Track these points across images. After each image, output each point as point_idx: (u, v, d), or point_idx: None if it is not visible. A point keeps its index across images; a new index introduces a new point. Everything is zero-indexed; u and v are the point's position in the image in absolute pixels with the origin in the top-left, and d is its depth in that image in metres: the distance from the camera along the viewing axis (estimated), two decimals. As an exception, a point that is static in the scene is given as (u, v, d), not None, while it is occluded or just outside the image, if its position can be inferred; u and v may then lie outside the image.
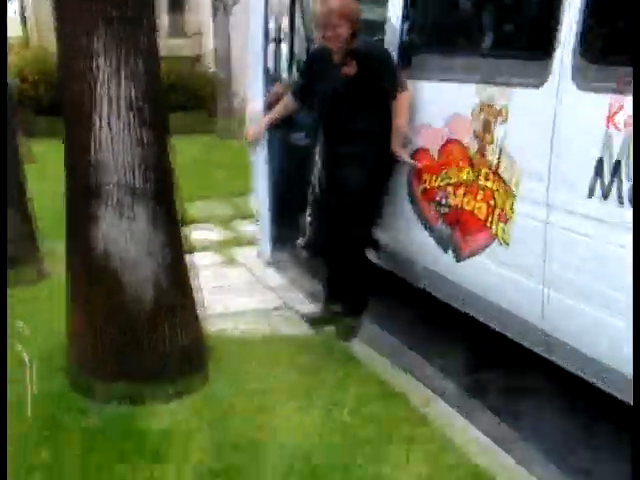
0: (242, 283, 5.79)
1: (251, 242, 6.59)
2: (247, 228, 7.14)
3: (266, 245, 5.88)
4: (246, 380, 4.02)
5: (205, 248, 6.51)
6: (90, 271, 3.69)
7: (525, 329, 3.92)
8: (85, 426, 3.53)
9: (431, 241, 4.51)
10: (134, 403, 3.70)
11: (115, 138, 3.56)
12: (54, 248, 5.72)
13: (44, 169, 8.23)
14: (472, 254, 4.23)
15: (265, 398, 3.84)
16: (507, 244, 3.94)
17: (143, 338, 3.71)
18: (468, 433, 3.76)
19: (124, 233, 3.63)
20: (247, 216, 7.17)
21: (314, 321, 4.89)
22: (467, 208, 4.20)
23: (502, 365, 4.51)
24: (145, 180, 3.63)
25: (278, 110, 4.93)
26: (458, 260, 4.33)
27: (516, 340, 4.03)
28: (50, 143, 9.09)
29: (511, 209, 3.88)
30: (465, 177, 4.19)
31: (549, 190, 3.61)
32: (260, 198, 5.76)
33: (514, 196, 3.84)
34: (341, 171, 4.47)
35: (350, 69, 4.26)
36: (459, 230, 4.30)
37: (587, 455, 3.61)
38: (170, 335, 3.76)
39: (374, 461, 3.39)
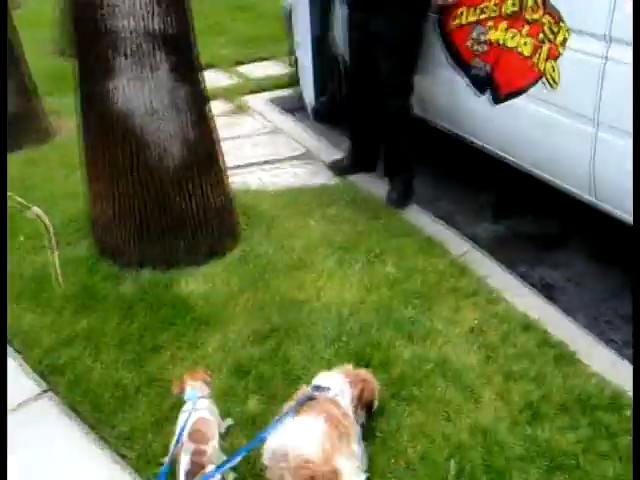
0: (258, 132, 5.44)
1: (263, 87, 6.19)
2: (256, 71, 6.68)
3: (310, 95, 5.50)
4: (280, 235, 3.81)
5: (212, 95, 6.10)
6: (109, 130, 3.36)
7: (571, 173, 3.68)
8: (123, 293, 3.34)
9: (465, 83, 4.17)
10: (169, 267, 3.49)
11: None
12: (55, 105, 5.37)
13: (28, 14, 7.65)
14: (512, 95, 3.91)
15: (303, 253, 3.64)
16: (555, 83, 3.61)
17: (173, 199, 3.44)
18: (509, 283, 3.62)
19: (146, 84, 3.27)
20: (255, 59, 6.73)
21: (340, 169, 4.67)
22: (509, 45, 3.83)
23: (533, 213, 4.34)
24: (164, 22, 3.24)
25: None
26: (496, 102, 4.02)
27: (560, 185, 3.79)
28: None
29: (563, 44, 3.53)
30: (509, 10, 3.80)
31: (612, 21, 3.24)
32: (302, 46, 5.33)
33: (567, 30, 3.48)
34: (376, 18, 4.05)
35: None
36: (498, 70, 3.96)
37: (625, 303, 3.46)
38: (201, 193, 3.50)
39: (424, 314, 3.25)
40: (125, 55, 3.23)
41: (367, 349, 3.00)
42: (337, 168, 4.69)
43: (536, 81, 3.74)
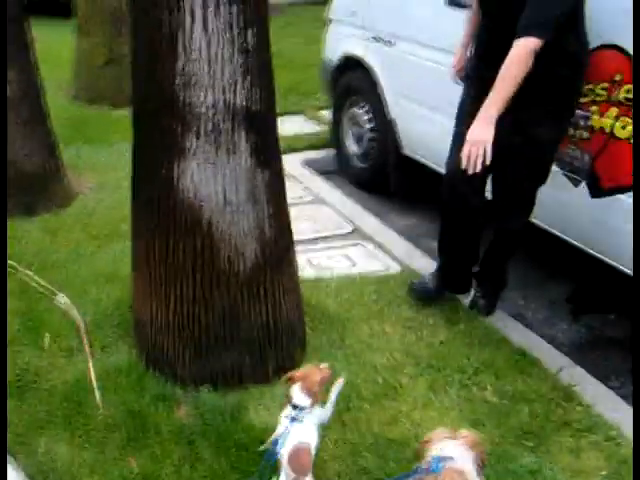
0: (298, 201, 4.81)
1: (293, 147, 5.58)
2: (285, 127, 6.07)
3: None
4: (356, 348, 3.19)
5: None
6: (170, 222, 2.72)
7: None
8: (179, 422, 2.68)
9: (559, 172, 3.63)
10: (231, 387, 2.85)
11: (212, 40, 2.53)
12: (73, 159, 4.69)
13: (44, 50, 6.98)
14: (617, 191, 3.37)
15: (387, 374, 3.02)
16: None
17: (240, 307, 2.81)
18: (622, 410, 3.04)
19: (220, 170, 2.65)
20: (284, 112, 6.13)
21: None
22: (622, 136, 3.28)
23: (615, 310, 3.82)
24: (249, 96, 2.63)
25: (466, 28, 3.50)
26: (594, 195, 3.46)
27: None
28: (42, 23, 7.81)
29: None
30: (621, 96, 3.25)
31: None
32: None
33: None
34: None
35: None
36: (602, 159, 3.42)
37: None
38: (273, 301, 2.88)
39: (542, 462, 2.65)
40: (198, 134, 2.61)
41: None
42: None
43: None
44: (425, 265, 4.01)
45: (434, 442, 2.23)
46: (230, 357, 2.84)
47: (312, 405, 2.35)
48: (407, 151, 4.78)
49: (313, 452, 2.29)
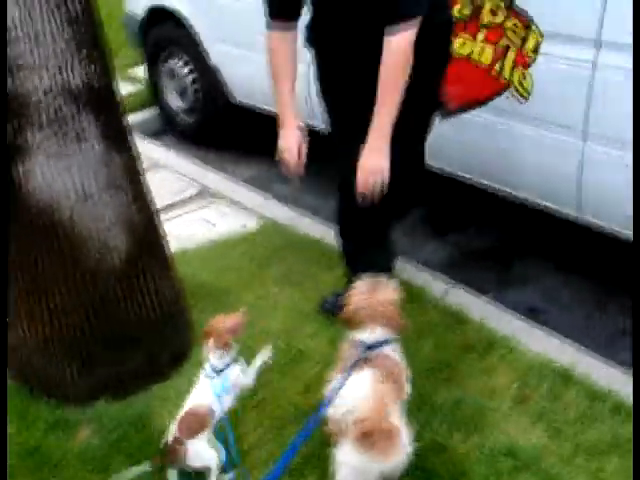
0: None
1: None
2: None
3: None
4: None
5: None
6: (28, 229, 2.36)
7: (555, 189, 3.22)
8: (85, 447, 2.38)
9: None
10: (129, 391, 2.58)
11: (33, 14, 2.15)
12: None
13: None
14: (465, 108, 3.37)
15: (287, 338, 2.86)
16: (527, 94, 3.11)
17: (123, 304, 2.53)
18: (506, 320, 3.12)
19: (73, 160, 2.31)
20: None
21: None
22: (462, 52, 3.26)
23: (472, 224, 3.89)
24: (87, 72, 2.29)
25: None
26: (444, 116, 3.44)
27: (539, 202, 3.32)
28: None
29: (535, 50, 3.02)
30: (459, 14, 3.22)
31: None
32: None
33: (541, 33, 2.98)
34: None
35: None
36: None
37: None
38: (154, 288, 2.61)
39: (459, 389, 2.65)
40: (40, 125, 2.24)
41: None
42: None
43: (499, 92, 3.21)
44: (282, 213, 3.87)
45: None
46: (120, 361, 2.56)
47: (223, 356, 2.20)
48: (236, 97, 4.53)
49: (211, 414, 2.16)
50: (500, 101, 3.20)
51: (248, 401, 2.49)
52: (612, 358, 2.94)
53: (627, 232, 2.96)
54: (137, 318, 2.55)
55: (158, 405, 2.56)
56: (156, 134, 5.00)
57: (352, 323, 2.24)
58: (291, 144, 2.48)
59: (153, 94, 5.10)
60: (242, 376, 2.26)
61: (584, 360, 2.88)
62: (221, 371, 2.20)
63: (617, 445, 2.45)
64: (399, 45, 2.29)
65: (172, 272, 2.75)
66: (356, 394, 2.03)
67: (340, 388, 2.06)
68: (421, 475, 2.31)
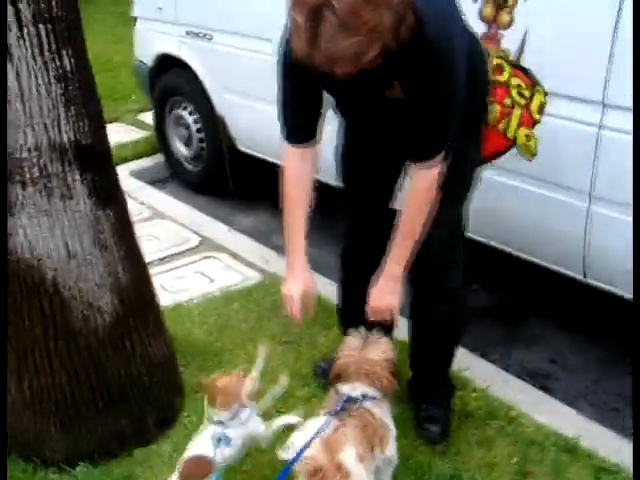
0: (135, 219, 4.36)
1: (119, 159, 5.09)
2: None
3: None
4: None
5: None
6: (12, 291, 2.28)
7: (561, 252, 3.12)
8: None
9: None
10: (111, 455, 2.47)
11: (20, 70, 2.10)
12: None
13: None
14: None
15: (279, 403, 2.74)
16: (532, 154, 3.03)
17: (107, 366, 2.44)
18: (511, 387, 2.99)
19: (57, 220, 2.24)
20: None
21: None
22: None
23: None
24: (77, 129, 2.23)
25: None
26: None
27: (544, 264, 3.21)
28: None
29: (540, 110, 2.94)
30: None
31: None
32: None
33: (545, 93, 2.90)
34: None
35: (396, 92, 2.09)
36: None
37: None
38: (141, 350, 2.52)
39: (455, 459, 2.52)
40: (23, 183, 2.17)
41: None
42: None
43: (504, 151, 3.13)
44: (282, 266, 3.76)
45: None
46: (104, 424, 2.46)
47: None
48: (241, 146, 4.49)
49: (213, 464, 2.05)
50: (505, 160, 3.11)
51: (233, 473, 2.36)
52: (619, 426, 2.81)
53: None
54: (123, 380, 2.46)
55: (140, 471, 2.45)
56: (162, 181, 4.95)
57: (339, 378, 2.17)
58: (294, 293, 2.19)
59: (160, 142, 5.06)
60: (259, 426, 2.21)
61: (590, 430, 2.75)
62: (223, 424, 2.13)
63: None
64: (424, 183, 2.14)
65: (163, 333, 2.66)
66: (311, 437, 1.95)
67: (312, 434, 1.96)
68: None
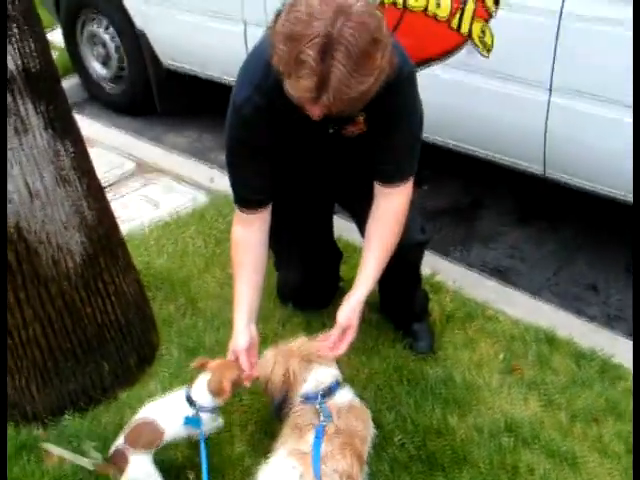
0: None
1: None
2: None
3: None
4: (212, 310, 2.74)
5: None
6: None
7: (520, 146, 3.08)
8: (59, 473, 2.10)
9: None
10: (95, 401, 2.31)
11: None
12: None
13: None
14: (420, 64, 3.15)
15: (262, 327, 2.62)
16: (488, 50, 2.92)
17: (83, 312, 2.24)
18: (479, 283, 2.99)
19: (15, 157, 1.98)
20: None
21: None
22: (417, 5, 3.03)
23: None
24: (22, 55, 1.95)
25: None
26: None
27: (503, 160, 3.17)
28: None
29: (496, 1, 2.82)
30: (411, -35, 2.97)
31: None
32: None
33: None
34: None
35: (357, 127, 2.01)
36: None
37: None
38: (114, 289, 2.33)
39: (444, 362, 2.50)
40: (-27, 118, 1.89)
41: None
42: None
43: (457, 47, 3.01)
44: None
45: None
46: (85, 371, 2.28)
47: (210, 400, 1.95)
48: (167, 61, 4.17)
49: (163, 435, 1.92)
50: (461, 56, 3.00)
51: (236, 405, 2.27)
52: (585, 313, 2.89)
53: (592, 185, 2.86)
54: (99, 324, 2.27)
55: (131, 413, 2.28)
56: (79, 105, 4.57)
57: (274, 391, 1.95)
58: (237, 347, 2.03)
59: (74, 62, 4.65)
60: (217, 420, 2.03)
61: (562, 320, 2.79)
62: (201, 408, 1.95)
63: (611, 408, 2.38)
64: (400, 203, 2.09)
65: (133, 268, 2.47)
66: None
67: None
68: (422, 464, 2.16)
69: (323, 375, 1.92)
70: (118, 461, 1.88)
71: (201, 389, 1.95)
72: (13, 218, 2.00)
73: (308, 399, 1.86)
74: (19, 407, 2.23)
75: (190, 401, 1.94)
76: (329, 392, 1.88)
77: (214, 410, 1.97)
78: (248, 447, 2.18)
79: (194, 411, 1.94)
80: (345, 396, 1.90)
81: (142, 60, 4.16)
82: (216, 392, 1.93)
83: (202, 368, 1.99)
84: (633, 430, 2.08)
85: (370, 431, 1.90)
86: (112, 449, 1.91)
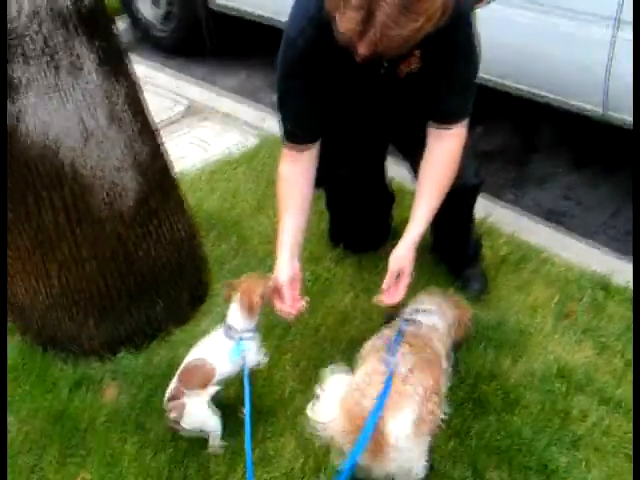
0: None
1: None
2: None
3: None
4: (263, 250, 2.73)
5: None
6: (26, 179, 2.02)
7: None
8: (116, 407, 2.16)
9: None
10: (151, 338, 2.36)
11: None
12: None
13: None
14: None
15: (313, 268, 2.62)
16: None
17: (137, 251, 2.25)
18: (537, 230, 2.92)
19: (69, 95, 1.98)
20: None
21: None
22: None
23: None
24: (76, -5, 1.92)
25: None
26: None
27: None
28: None
29: None
30: None
31: None
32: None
33: None
34: None
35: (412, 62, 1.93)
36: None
37: None
38: (169, 229, 2.34)
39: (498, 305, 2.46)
40: (26, 58, 1.89)
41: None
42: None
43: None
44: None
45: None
46: (140, 308, 2.31)
47: (246, 321, 1.96)
48: (217, 2, 4.11)
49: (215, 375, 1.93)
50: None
51: (283, 340, 2.28)
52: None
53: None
54: (153, 263, 2.29)
55: (184, 351, 2.32)
56: (128, 46, 4.54)
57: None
58: (282, 279, 1.97)
59: (123, 3, 4.61)
60: (260, 354, 2.03)
61: (618, 265, 2.72)
62: (241, 337, 1.96)
63: (667, 356, 2.31)
64: (453, 143, 2.02)
65: (185, 207, 2.47)
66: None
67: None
68: (474, 407, 2.15)
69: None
70: (173, 406, 1.89)
71: (235, 313, 1.96)
72: (70, 154, 2.00)
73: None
74: (78, 341, 2.27)
75: (229, 329, 1.94)
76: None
77: (253, 334, 1.97)
78: (300, 386, 2.18)
79: (235, 340, 1.94)
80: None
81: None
82: (248, 309, 1.93)
83: (233, 292, 1.97)
84: (633, 430, 2.02)
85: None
86: (168, 392, 1.92)
